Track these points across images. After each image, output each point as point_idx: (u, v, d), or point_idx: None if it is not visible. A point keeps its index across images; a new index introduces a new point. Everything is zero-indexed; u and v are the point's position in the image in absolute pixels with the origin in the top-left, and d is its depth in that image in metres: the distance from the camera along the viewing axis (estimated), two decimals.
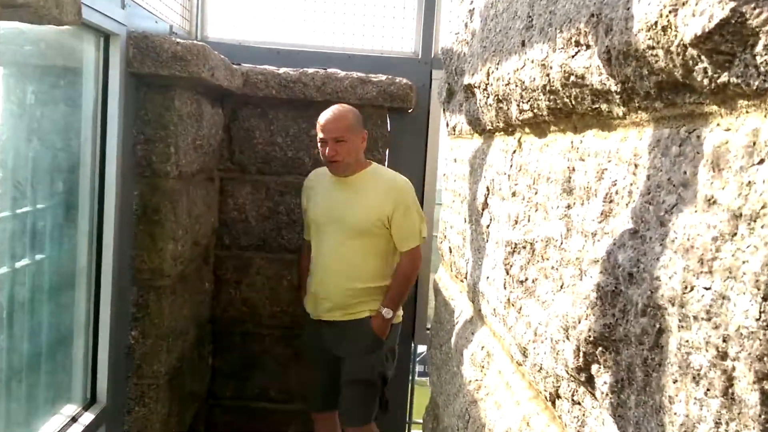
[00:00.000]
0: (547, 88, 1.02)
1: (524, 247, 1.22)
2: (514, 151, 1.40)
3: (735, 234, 0.60)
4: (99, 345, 2.46)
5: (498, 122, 1.46)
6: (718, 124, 0.66)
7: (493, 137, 1.62)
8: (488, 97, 1.43)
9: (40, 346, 2.41)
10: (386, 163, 3.42)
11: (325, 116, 2.73)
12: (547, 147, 1.18)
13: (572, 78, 0.92)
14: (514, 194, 1.32)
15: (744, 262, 0.58)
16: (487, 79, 1.40)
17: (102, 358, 2.47)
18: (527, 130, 1.31)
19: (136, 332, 2.68)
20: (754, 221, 0.57)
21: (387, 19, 3.40)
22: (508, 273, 1.29)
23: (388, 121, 3.40)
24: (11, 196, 2.33)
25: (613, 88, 0.83)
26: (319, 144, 2.76)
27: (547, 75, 1.01)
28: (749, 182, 0.59)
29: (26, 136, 2.37)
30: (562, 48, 0.94)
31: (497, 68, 1.33)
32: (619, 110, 0.87)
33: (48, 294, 2.40)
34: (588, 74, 0.89)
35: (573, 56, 0.91)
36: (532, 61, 1.07)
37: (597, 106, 0.91)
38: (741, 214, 0.59)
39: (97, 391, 2.49)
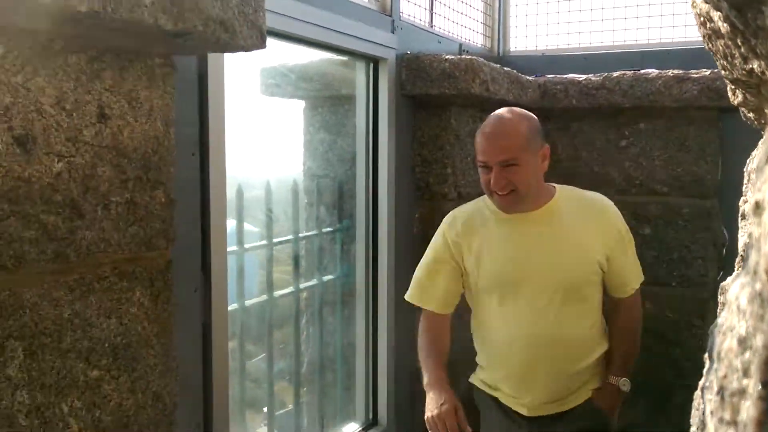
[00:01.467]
0: (705, 36, 0.62)
1: None
2: None
3: None
4: (378, 367, 2.48)
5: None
6: None
7: None
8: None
9: (327, 363, 2.54)
10: (719, 174, 2.79)
11: (486, 129, 1.80)
12: None
13: (703, 20, 0.53)
14: None
15: None
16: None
17: (381, 381, 2.49)
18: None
19: None
20: None
21: None
22: None
23: (720, 125, 2.78)
24: (306, 220, 2.52)
25: (733, 19, 0.44)
26: (479, 170, 1.82)
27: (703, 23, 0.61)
28: None
29: (316, 163, 2.54)
30: None
31: None
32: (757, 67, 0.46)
33: (331, 313, 2.52)
34: (713, 11, 0.50)
35: None
36: None
37: (748, 65, 0.51)
38: None
39: (378, 414, 2.52)
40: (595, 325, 1.91)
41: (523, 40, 3.29)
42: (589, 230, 1.85)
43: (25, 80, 0.96)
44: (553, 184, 1.95)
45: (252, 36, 1.32)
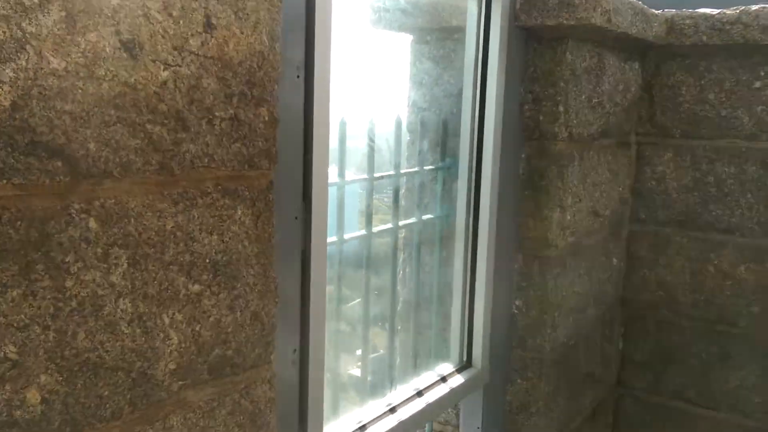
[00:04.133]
0: None
1: None
2: None
3: None
4: (474, 309, 2.43)
5: None
6: None
7: None
8: None
9: (423, 302, 2.50)
10: None
11: None
12: None
13: None
14: None
15: None
16: None
17: (477, 322, 2.44)
18: None
19: (520, 302, 2.57)
20: None
21: None
22: None
23: None
24: (407, 156, 2.46)
25: None
26: None
27: None
28: None
29: (423, 100, 2.46)
30: None
31: None
32: None
33: (429, 253, 2.47)
34: None
35: None
36: None
37: None
38: None
39: (473, 356, 2.47)
40: None
41: None
42: None
43: None
44: None
45: None
